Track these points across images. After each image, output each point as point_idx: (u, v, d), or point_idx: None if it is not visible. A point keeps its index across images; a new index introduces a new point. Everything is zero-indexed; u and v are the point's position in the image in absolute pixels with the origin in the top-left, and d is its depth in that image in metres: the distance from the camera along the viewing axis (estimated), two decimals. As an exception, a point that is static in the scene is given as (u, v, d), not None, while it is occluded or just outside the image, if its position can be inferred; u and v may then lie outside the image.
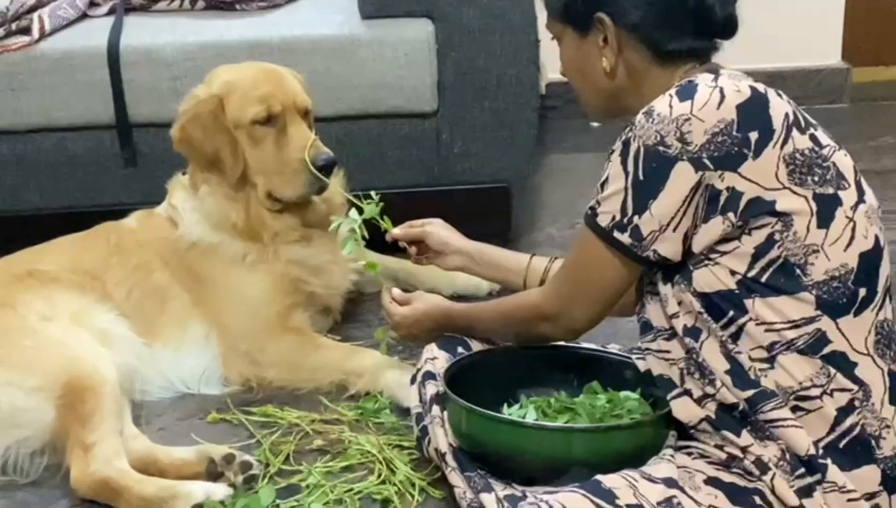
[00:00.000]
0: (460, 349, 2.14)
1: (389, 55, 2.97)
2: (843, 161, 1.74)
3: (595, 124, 4.25)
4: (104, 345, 2.35)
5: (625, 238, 1.73)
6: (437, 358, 2.11)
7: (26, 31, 2.98)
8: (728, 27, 1.82)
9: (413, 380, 2.13)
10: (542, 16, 3.04)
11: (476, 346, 2.15)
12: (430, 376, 2.08)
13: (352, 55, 2.97)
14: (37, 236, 2.67)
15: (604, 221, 1.75)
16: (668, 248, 1.73)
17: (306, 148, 2.53)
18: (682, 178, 1.68)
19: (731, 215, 1.68)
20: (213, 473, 2.14)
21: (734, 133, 1.67)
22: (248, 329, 2.56)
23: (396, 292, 2.28)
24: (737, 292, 1.71)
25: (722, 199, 1.68)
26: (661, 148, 1.68)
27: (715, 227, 1.70)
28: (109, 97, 2.95)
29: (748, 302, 1.70)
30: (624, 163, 1.72)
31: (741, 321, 1.71)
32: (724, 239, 1.71)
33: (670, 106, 1.69)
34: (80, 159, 3.03)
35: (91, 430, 2.13)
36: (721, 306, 1.72)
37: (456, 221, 3.12)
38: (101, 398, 2.17)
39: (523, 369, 2.09)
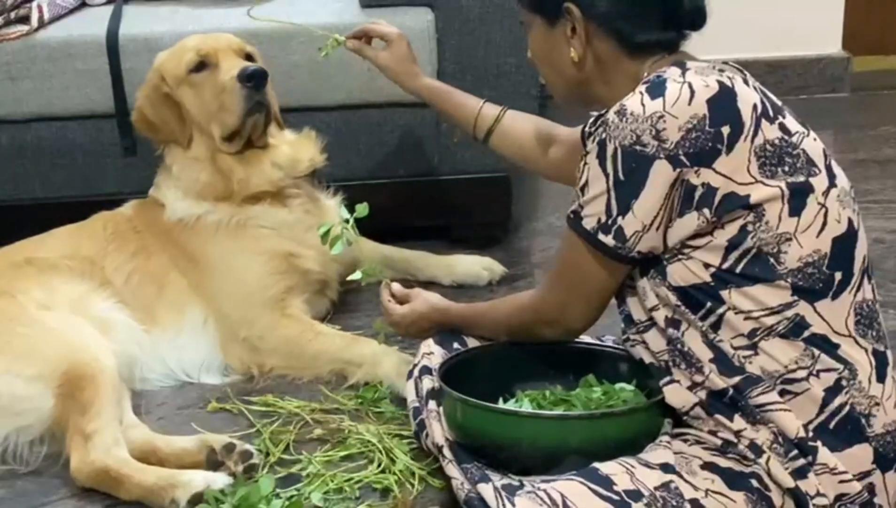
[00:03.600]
0: (456, 345, 2.14)
1: (389, 44, 2.96)
2: (813, 146, 1.75)
3: (594, 114, 4.25)
4: (103, 333, 2.35)
5: (609, 240, 1.74)
6: (433, 353, 2.12)
7: (25, 19, 2.97)
8: (697, 18, 1.82)
9: (409, 375, 2.13)
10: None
11: (472, 342, 2.15)
12: (426, 370, 2.08)
13: (351, 44, 2.96)
14: (36, 226, 2.67)
15: (589, 224, 1.76)
16: (649, 245, 1.74)
17: (233, 69, 2.56)
18: (661, 176, 1.69)
19: (706, 210, 1.69)
20: (213, 462, 2.14)
21: (707, 128, 1.67)
22: (246, 316, 2.56)
23: (396, 287, 2.28)
24: (712, 284, 1.72)
25: (697, 195, 1.69)
26: (638, 147, 1.68)
27: (689, 222, 1.70)
28: (109, 86, 2.94)
29: (724, 293, 1.71)
30: (602, 165, 1.72)
31: (719, 311, 1.72)
32: (697, 234, 1.71)
33: (642, 104, 1.69)
34: (80, 148, 3.02)
35: (90, 419, 2.13)
36: (698, 298, 1.73)
37: (456, 210, 3.15)
38: (100, 387, 2.17)
39: (519, 364, 2.09)
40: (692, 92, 1.69)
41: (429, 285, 2.92)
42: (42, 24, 2.99)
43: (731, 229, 1.70)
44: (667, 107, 1.68)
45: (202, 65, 2.60)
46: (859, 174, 3.56)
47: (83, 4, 3.19)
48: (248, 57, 2.65)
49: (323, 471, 2.12)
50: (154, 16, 3.08)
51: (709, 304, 1.72)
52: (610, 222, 1.73)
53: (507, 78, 3.03)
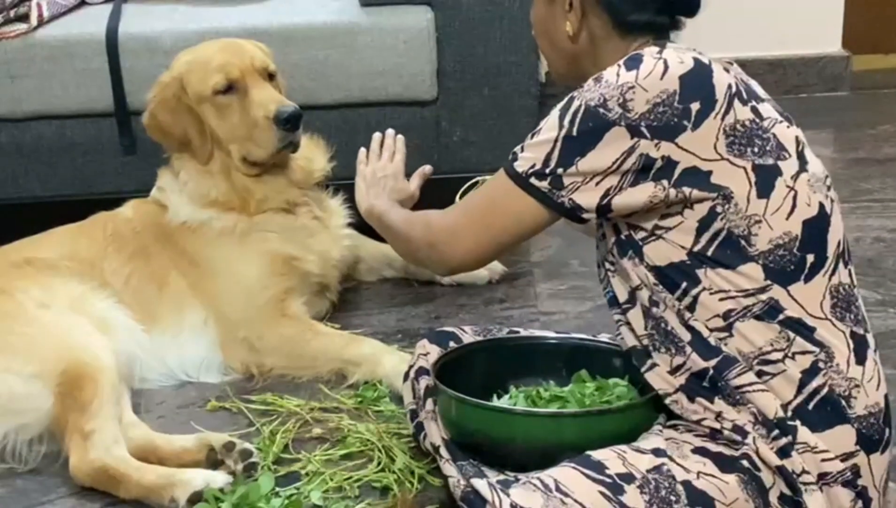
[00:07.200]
0: (451, 343, 2.14)
1: (389, 43, 2.97)
2: (785, 132, 1.76)
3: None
4: (103, 332, 2.35)
5: (543, 185, 1.75)
6: (429, 353, 2.11)
7: (24, 18, 2.98)
8: (690, 5, 1.84)
9: (406, 377, 2.13)
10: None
11: (466, 339, 2.15)
12: (423, 371, 2.08)
13: (351, 43, 2.97)
14: (36, 224, 2.67)
15: (522, 166, 1.76)
16: (585, 198, 1.74)
17: (268, 104, 2.55)
18: (614, 141, 1.70)
19: (664, 181, 1.70)
20: (212, 461, 2.14)
21: (675, 104, 1.70)
22: (245, 316, 2.57)
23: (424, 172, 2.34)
24: (688, 262, 1.73)
25: (655, 167, 1.70)
26: (601, 110, 1.71)
27: (643, 191, 1.71)
28: (108, 85, 2.95)
29: (700, 272, 1.73)
30: (562, 117, 1.74)
31: (695, 291, 1.73)
32: (667, 214, 1.73)
33: (617, 74, 1.72)
34: (79, 147, 3.02)
35: (90, 417, 2.14)
36: (674, 278, 1.74)
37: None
38: (99, 386, 2.17)
39: (513, 360, 2.10)
40: (666, 67, 1.71)
41: (429, 283, 2.93)
42: (41, 23, 2.99)
43: (701, 210, 1.71)
44: (639, 79, 1.70)
45: (229, 87, 2.58)
46: (859, 173, 3.55)
47: (82, 3, 3.19)
48: (271, 76, 2.64)
49: (322, 470, 2.12)
50: (153, 14, 3.08)
51: (684, 284, 1.73)
52: (547, 170, 1.74)
53: (507, 77, 3.03)
